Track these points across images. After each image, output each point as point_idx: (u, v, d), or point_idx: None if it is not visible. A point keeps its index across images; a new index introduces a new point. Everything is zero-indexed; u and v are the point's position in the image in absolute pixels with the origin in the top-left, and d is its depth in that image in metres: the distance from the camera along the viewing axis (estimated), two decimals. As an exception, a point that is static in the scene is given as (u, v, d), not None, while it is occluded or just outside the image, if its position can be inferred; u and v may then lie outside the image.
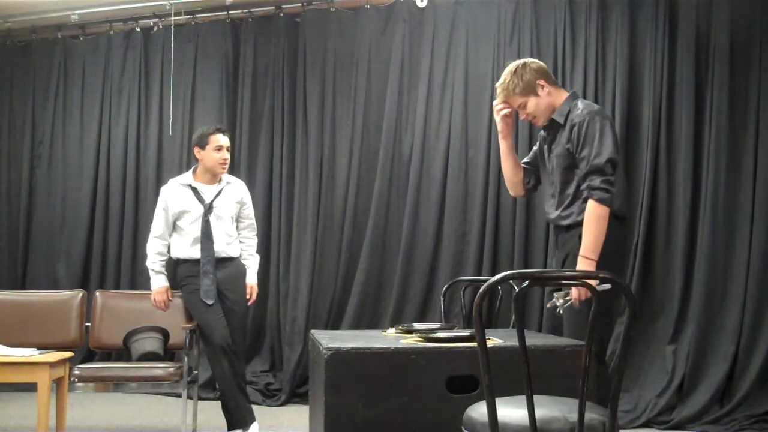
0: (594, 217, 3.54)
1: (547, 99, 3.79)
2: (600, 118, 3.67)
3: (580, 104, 3.77)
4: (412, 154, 6.40)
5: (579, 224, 3.62)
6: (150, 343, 5.10)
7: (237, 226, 5.37)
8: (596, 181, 3.57)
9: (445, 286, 4.40)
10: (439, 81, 6.36)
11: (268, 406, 6.33)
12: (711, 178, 5.64)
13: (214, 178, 5.30)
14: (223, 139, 5.26)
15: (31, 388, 4.30)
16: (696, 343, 5.58)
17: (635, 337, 5.62)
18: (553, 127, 3.81)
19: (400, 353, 3.05)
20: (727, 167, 5.64)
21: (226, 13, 6.94)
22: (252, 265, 5.43)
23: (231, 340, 5.07)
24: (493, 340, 3.21)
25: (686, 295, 5.69)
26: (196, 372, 5.20)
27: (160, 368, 4.85)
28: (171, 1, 6.84)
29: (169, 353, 5.29)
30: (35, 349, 4.49)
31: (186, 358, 4.93)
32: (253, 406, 6.04)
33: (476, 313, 2.24)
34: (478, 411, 2.45)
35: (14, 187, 7.51)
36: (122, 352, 5.44)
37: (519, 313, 2.25)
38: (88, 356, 6.56)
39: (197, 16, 7.03)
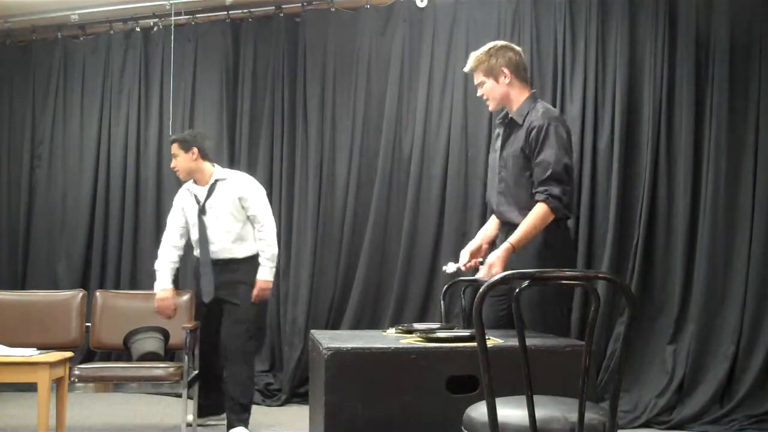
0: (540, 219, 3.60)
1: (504, 89, 3.81)
2: (559, 124, 3.71)
3: (540, 107, 3.78)
4: (412, 154, 6.40)
5: None
6: (150, 343, 5.11)
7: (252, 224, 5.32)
8: (555, 189, 3.61)
9: (446, 286, 4.40)
10: (439, 81, 6.36)
11: (268, 406, 6.33)
12: (711, 178, 5.64)
13: (201, 179, 5.31)
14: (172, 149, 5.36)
15: (31, 388, 4.30)
16: (696, 343, 5.58)
17: (635, 337, 5.63)
18: (510, 125, 3.82)
19: (401, 353, 3.05)
20: (727, 167, 5.64)
21: (226, 13, 6.94)
22: (262, 261, 5.29)
23: (219, 343, 5.13)
24: (493, 341, 3.21)
25: (686, 295, 5.69)
26: (196, 372, 5.20)
27: (161, 368, 4.85)
28: (171, 1, 6.85)
29: (169, 353, 5.29)
30: (35, 349, 4.49)
31: (186, 358, 4.93)
32: (253, 406, 6.05)
33: (476, 313, 2.23)
34: (478, 411, 2.45)
35: (14, 186, 7.51)
36: (122, 352, 5.44)
37: (518, 313, 2.25)
38: (89, 356, 6.56)
39: (197, 16, 7.04)
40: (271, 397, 6.44)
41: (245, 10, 6.91)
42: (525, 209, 3.66)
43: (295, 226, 6.67)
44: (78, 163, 7.35)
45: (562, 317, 3.82)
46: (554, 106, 5.99)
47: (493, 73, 3.80)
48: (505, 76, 3.78)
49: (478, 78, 3.85)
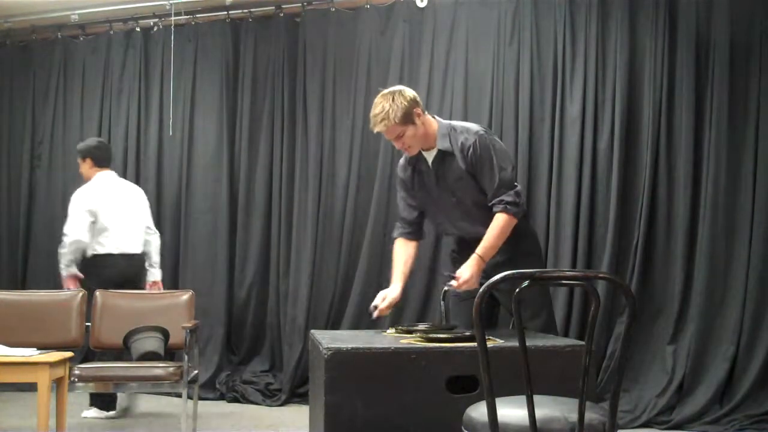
0: (502, 228, 3.70)
1: (422, 128, 3.77)
2: (485, 134, 3.78)
3: (458, 127, 3.82)
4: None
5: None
6: (150, 342, 5.10)
7: None
8: (508, 196, 3.70)
9: (446, 286, 4.39)
10: (439, 81, 6.36)
11: (268, 406, 6.33)
12: (711, 178, 5.64)
13: None
14: None
15: (31, 388, 4.30)
16: (696, 343, 5.58)
17: (635, 337, 5.63)
18: (441, 157, 3.80)
19: (401, 353, 3.05)
20: (728, 167, 5.63)
21: (226, 13, 6.94)
22: None
23: None
24: (493, 341, 3.21)
25: (686, 295, 5.69)
26: (196, 372, 5.20)
27: (161, 368, 4.84)
28: (171, 1, 6.85)
29: (169, 353, 5.29)
30: (35, 349, 4.48)
31: (186, 358, 4.92)
32: (253, 406, 6.08)
33: (476, 313, 2.24)
34: (479, 411, 2.45)
35: (14, 187, 7.52)
36: (122, 352, 5.44)
37: (519, 313, 2.25)
38: (89, 356, 6.55)
39: (197, 16, 7.04)
40: (271, 396, 6.44)
41: (245, 10, 6.91)
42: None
43: (295, 226, 6.67)
44: (77, 163, 7.33)
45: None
46: (554, 106, 6.02)
47: (410, 119, 3.70)
48: (419, 115, 3.74)
49: (395, 132, 3.72)
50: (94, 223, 5.86)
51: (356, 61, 6.62)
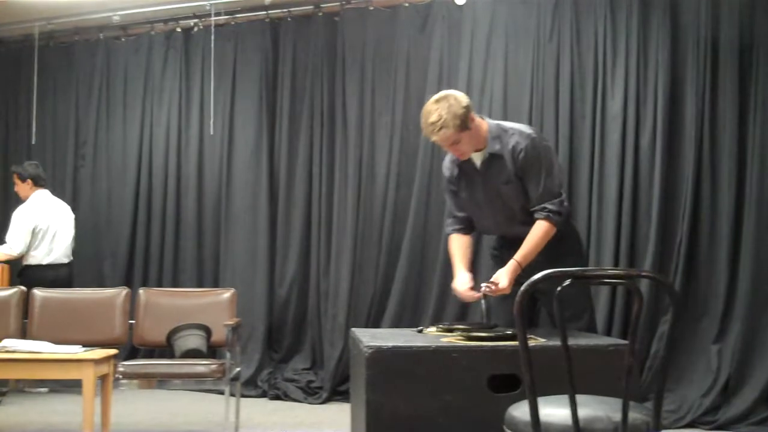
0: (542, 235, 3.68)
1: (476, 132, 3.70)
2: (537, 139, 3.72)
3: (508, 129, 3.76)
4: (451, 151, 6.37)
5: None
6: (193, 340, 5.15)
7: None
8: (552, 204, 3.67)
9: (482, 289, 4.38)
10: (478, 79, 6.33)
11: (310, 404, 6.35)
12: (755, 175, 5.55)
13: None
14: None
15: (76, 384, 4.36)
16: (741, 343, 5.49)
17: (679, 337, 5.57)
18: (490, 159, 3.75)
19: (441, 352, 3.05)
20: (773, 164, 5.55)
21: (265, 12, 6.98)
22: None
23: None
24: (535, 339, 3.19)
25: (731, 293, 5.61)
26: (238, 369, 5.24)
27: (203, 365, 4.89)
28: (211, 2, 6.90)
29: (211, 350, 5.33)
30: (81, 346, 4.55)
31: (228, 355, 4.96)
32: (295, 404, 6.11)
33: (517, 311, 2.23)
34: (521, 410, 2.44)
35: (59, 186, 7.62)
36: (165, 349, 5.50)
37: (560, 311, 2.23)
38: (132, 353, 6.64)
39: (237, 16, 7.08)
40: (312, 395, 6.47)
41: (284, 10, 6.94)
42: None
43: (335, 224, 6.69)
44: (121, 163, 7.45)
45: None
46: (595, 103, 5.96)
47: (465, 125, 3.63)
48: (472, 120, 3.68)
49: (452, 139, 3.64)
50: (32, 237, 6.46)
51: (395, 60, 6.62)
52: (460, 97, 3.67)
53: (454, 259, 3.97)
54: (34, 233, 6.45)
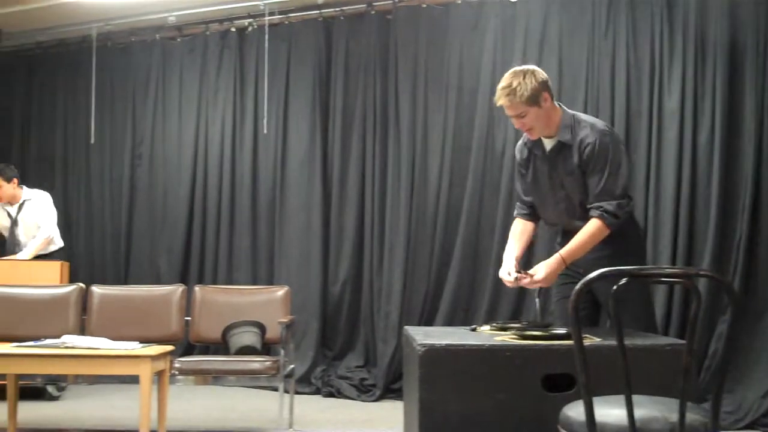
0: (593, 234, 3.57)
1: (546, 113, 3.63)
2: (610, 137, 3.63)
3: (582, 120, 3.68)
4: (505, 150, 6.34)
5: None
6: (247, 337, 5.20)
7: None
8: (609, 205, 3.57)
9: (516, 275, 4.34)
10: (532, 75, 6.28)
11: (363, 401, 6.38)
12: (818, 171, 5.44)
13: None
14: None
15: (133, 380, 4.42)
16: (803, 342, 5.38)
17: (738, 336, 5.45)
18: (559, 147, 3.69)
19: (495, 351, 3.03)
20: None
21: (318, 12, 7.02)
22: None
23: None
24: (590, 339, 3.16)
25: (792, 292, 5.50)
26: (292, 366, 5.28)
27: (258, 362, 4.93)
28: (265, 2, 6.96)
29: (265, 347, 5.37)
30: (138, 342, 4.61)
31: (282, 352, 5.00)
32: (348, 401, 6.13)
33: (572, 310, 2.20)
34: (575, 410, 2.41)
35: (116, 185, 7.77)
36: (220, 346, 5.56)
37: (616, 310, 2.20)
38: (188, 349, 6.73)
39: (290, 15, 7.14)
40: (365, 392, 6.49)
41: (337, 9, 6.98)
42: None
43: (388, 223, 6.70)
44: (177, 162, 7.55)
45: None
46: (651, 100, 5.88)
47: (536, 101, 3.57)
48: (546, 99, 3.61)
49: (517, 110, 3.60)
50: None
51: (447, 58, 6.60)
52: (539, 73, 3.62)
53: (508, 243, 3.93)
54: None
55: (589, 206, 3.63)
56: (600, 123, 3.73)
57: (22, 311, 5.46)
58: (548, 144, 3.73)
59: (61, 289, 5.67)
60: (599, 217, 3.57)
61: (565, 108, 3.73)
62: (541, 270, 3.58)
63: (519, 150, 3.92)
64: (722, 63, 5.68)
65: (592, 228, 3.58)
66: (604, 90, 6.02)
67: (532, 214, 3.96)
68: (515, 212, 4.03)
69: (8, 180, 6.77)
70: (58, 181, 7.91)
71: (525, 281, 3.62)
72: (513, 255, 3.83)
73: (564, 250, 3.59)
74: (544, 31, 6.28)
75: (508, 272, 3.73)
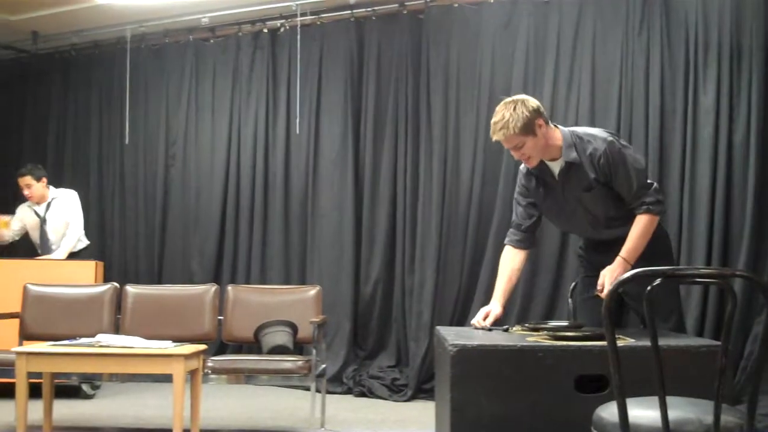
0: (647, 228, 3.62)
1: (543, 140, 3.63)
2: (614, 140, 3.65)
3: (583, 135, 3.68)
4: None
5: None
6: (280, 336, 5.22)
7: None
8: (649, 196, 3.62)
9: (573, 283, 4.32)
10: (565, 74, 6.25)
11: (395, 401, 6.37)
12: None
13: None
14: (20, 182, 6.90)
15: (167, 379, 4.45)
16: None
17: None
18: (568, 168, 3.68)
19: (527, 351, 3.01)
20: None
21: (350, 12, 7.03)
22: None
23: None
24: (624, 339, 3.13)
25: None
26: (324, 366, 5.29)
27: (290, 361, 4.95)
28: (297, 2, 6.98)
29: (297, 347, 5.39)
30: (171, 341, 4.64)
31: (314, 352, 5.01)
32: (380, 401, 6.12)
33: (606, 311, 2.19)
34: (608, 411, 2.40)
35: (150, 186, 7.83)
36: (253, 345, 5.59)
37: (651, 311, 2.18)
38: (221, 349, 6.77)
39: (322, 15, 7.15)
40: (397, 392, 6.48)
41: (369, 9, 6.98)
42: (631, 221, 3.65)
43: (420, 222, 6.69)
44: (210, 162, 7.60)
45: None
46: (686, 97, 5.82)
47: (530, 130, 3.58)
48: (540, 126, 3.60)
49: (513, 141, 3.61)
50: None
51: (480, 57, 6.58)
52: (529, 102, 3.62)
53: (497, 282, 3.98)
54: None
55: (631, 207, 3.65)
56: (600, 131, 3.75)
57: (58, 310, 5.52)
58: (555, 167, 3.74)
59: (96, 288, 5.73)
60: (647, 211, 3.62)
61: (563, 128, 3.74)
62: (608, 276, 3.59)
63: (524, 177, 3.94)
64: (758, 60, 5.60)
65: (643, 222, 3.62)
66: (638, 88, 5.96)
67: (526, 241, 3.99)
68: (506, 239, 4.05)
69: (38, 179, 6.88)
70: (93, 182, 8.00)
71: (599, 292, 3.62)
72: (498, 301, 3.88)
73: (624, 252, 3.60)
74: (578, 30, 6.24)
75: (480, 321, 3.79)
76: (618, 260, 3.59)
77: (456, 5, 6.66)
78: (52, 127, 8.30)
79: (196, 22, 7.47)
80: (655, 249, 3.71)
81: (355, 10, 7.02)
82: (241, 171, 7.47)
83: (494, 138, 3.66)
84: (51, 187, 7.00)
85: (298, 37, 7.11)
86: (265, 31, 7.43)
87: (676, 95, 5.86)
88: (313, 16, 7.14)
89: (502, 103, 3.66)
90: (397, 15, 6.93)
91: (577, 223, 3.87)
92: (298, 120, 7.17)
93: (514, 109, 3.57)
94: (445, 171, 6.64)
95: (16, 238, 7.17)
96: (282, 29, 7.36)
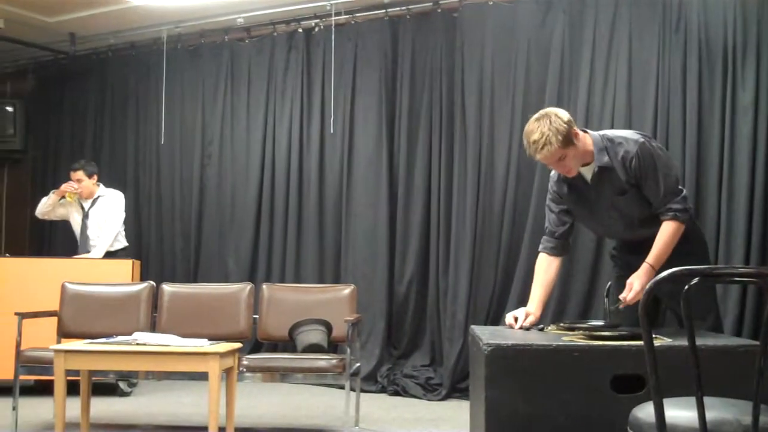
0: (672, 235, 3.60)
1: (581, 147, 3.60)
2: (646, 142, 3.62)
3: (614, 138, 3.66)
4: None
5: None
6: (314, 335, 5.23)
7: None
8: (675, 203, 3.60)
9: (609, 282, 4.28)
10: (601, 71, 6.19)
11: (429, 400, 6.36)
12: None
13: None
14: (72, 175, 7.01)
15: (202, 377, 4.48)
16: None
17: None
18: (600, 172, 3.65)
19: (562, 351, 2.99)
20: None
21: (384, 11, 7.03)
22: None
23: None
24: (661, 339, 3.10)
25: None
26: (358, 365, 5.29)
27: (324, 360, 4.96)
28: (331, 2, 7.00)
29: (332, 346, 5.40)
30: (207, 339, 4.67)
31: (349, 351, 5.02)
32: (414, 400, 6.11)
33: (642, 310, 2.17)
34: (645, 411, 2.37)
35: (186, 185, 7.91)
36: (288, 344, 5.61)
37: (688, 311, 2.15)
38: (256, 347, 6.80)
39: (356, 15, 7.17)
40: (431, 391, 6.47)
41: (403, 8, 6.98)
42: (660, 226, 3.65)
43: (454, 221, 6.67)
44: (245, 161, 7.65)
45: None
46: (724, 94, 5.74)
47: (569, 140, 3.54)
48: (575, 135, 3.57)
49: (557, 155, 3.55)
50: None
51: (515, 55, 6.54)
52: (561, 114, 3.58)
53: (533, 289, 3.91)
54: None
55: (657, 212, 3.63)
56: (632, 133, 3.73)
57: (95, 309, 5.58)
58: (587, 172, 3.70)
59: (133, 287, 5.78)
60: (673, 218, 3.60)
61: (592, 132, 3.72)
62: (636, 282, 3.57)
63: (556, 184, 3.92)
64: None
65: (669, 230, 3.60)
66: (675, 85, 5.89)
67: (559, 248, 3.95)
68: (540, 247, 4.00)
69: (89, 175, 6.99)
70: (130, 181, 8.09)
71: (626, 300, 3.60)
72: (535, 305, 3.81)
73: (650, 258, 3.58)
74: (614, 27, 6.18)
75: (514, 318, 3.75)
76: (644, 267, 3.57)
77: (491, 3, 6.63)
78: (90, 128, 8.42)
79: (231, 23, 7.53)
80: (692, 249, 3.68)
81: (389, 9, 7.02)
82: (276, 170, 7.51)
83: (537, 157, 3.59)
84: (101, 185, 7.09)
85: (333, 36, 7.13)
86: (300, 30, 7.46)
87: (714, 92, 5.78)
88: (347, 16, 7.16)
89: (531, 120, 3.60)
90: (431, 14, 6.92)
91: (611, 226, 3.85)
92: (332, 119, 7.19)
93: (550, 123, 3.52)
94: (479, 170, 6.62)
95: (55, 218, 7.31)
96: (316, 29, 7.38)
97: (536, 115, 3.61)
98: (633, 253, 3.80)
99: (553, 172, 3.91)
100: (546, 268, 3.92)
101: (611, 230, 3.92)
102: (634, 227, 3.76)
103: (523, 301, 6.26)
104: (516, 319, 3.73)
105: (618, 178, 3.63)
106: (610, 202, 3.71)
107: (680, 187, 3.68)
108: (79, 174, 6.97)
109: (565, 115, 3.58)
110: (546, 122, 3.52)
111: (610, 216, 3.77)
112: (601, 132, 3.77)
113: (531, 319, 3.74)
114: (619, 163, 3.61)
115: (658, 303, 3.83)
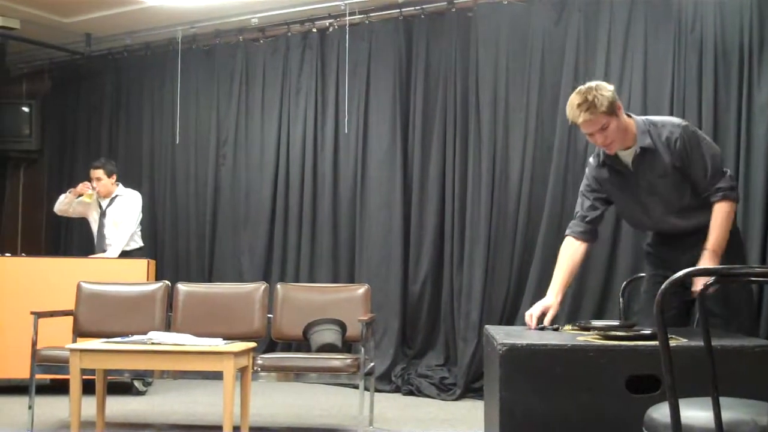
0: (727, 216, 3.59)
1: (624, 124, 3.61)
2: (689, 126, 3.67)
3: (657, 122, 3.68)
4: (588, 148, 6.22)
5: (705, 226, 3.61)
6: (329, 334, 5.23)
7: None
8: (724, 182, 3.61)
9: (625, 282, 4.27)
10: (616, 71, 6.16)
11: (443, 400, 6.36)
12: None
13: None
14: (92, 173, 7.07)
15: (217, 376, 4.50)
16: None
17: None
18: (642, 155, 3.65)
19: (577, 351, 2.99)
20: None
21: (398, 11, 7.03)
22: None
23: None
24: (676, 339, 3.09)
25: None
26: (372, 364, 5.29)
27: (338, 360, 4.96)
28: (346, 1, 7.01)
29: (346, 345, 5.40)
30: (221, 339, 4.68)
31: (363, 350, 5.02)
32: (428, 400, 6.11)
33: (658, 310, 2.16)
34: (660, 412, 2.36)
35: (201, 185, 7.93)
36: (302, 343, 5.61)
37: (704, 310, 2.14)
38: (270, 346, 6.81)
39: (371, 15, 7.17)
40: (445, 391, 6.47)
41: (417, 7, 6.98)
42: (704, 211, 3.63)
43: (469, 221, 6.66)
44: (259, 162, 7.67)
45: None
46: (740, 94, 5.70)
47: (613, 110, 3.54)
48: (619, 108, 3.58)
49: (600, 122, 3.54)
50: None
51: (529, 54, 6.52)
52: (607, 85, 3.62)
53: (555, 274, 3.89)
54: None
55: (706, 194, 3.63)
56: (673, 118, 3.81)
57: (111, 308, 5.60)
58: (628, 156, 3.69)
59: (148, 286, 5.80)
60: (724, 198, 3.61)
61: (635, 116, 3.72)
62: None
63: (594, 169, 3.88)
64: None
65: (723, 210, 3.60)
66: (691, 84, 5.86)
67: (588, 233, 3.92)
68: (568, 231, 3.97)
69: (109, 175, 7.03)
70: (145, 181, 8.13)
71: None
72: (555, 293, 3.79)
73: (710, 243, 3.55)
74: (629, 25, 6.15)
75: (541, 311, 3.73)
76: (705, 253, 3.52)
77: (505, 2, 6.62)
78: (105, 128, 8.47)
79: (245, 23, 7.55)
80: (729, 242, 3.65)
81: (403, 9, 7.02)
82: (290, 170, 7.52)
83: (579, 120, 3.57)
84: (120, 185, 7.13)
85: (347, 36, 7.14)
86: (314, 30, 7.47)
87: (730, 91, 5.74)
88: (361, 15, 7.16)
89: (575, 92, 3.60)
90: (445, 13, 6.91)
91: (649, 212, 3.81)
92: (346, 119, 7.20)
93: (596, 90, 3.54)
94: (494, 170, 6.60)
95: (73, 215, 7.37)
96: (331, 29, 7.39)
97: (582, 87, 3.63)
98: (669, 247, 3.78)
99: (591, 158, 3.90)
100: (572, 253, 3.89)
101: (648, 216, 3.85)
102: (671, 213, 3.74)
103: (537, 300, 6.28)
104: (533, 317, 3.70)
105: (660, 160, 3.63)
106: (652, 185, 3.70)
107: (725, 168, 3.69)
108: (99, 172, 7.02)
109: (610, 86, 3.61)
110: (593, 90, 3.55)
111: (649, 201, 3.76)
112: (643, 117, 3.78)
113: (551, 314, 3.71)
114: (663, 145, 3.61)
115: (688, 303, 3.78)
